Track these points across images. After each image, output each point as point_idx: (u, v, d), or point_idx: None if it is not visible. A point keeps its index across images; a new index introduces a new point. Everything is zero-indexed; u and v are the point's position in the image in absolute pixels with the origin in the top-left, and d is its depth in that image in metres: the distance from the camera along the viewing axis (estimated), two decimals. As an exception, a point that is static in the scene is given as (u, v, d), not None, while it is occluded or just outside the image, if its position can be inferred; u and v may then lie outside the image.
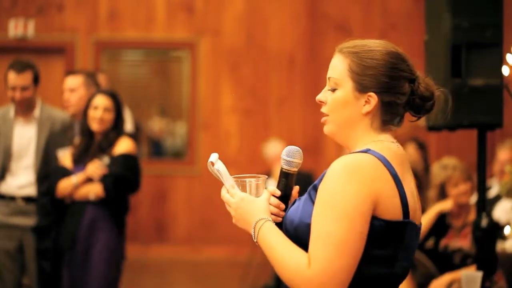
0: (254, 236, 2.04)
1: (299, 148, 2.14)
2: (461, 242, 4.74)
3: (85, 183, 4.66)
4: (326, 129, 2.10)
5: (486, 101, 3.85)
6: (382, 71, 2.02)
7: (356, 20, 9.31)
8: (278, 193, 2.13)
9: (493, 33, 3.86)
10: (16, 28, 9.22)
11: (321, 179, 1.99)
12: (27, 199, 5.08)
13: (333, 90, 2.07)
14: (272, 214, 2.11)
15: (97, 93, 4.79)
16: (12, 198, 5.08)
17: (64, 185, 4.67)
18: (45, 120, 5.14)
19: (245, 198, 2.09)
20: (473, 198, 4.76)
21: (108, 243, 4.66)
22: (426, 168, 6.63)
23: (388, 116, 2.05)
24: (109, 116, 4.70)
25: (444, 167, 4.91)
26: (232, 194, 2.12)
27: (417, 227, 2.04)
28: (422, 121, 4.11)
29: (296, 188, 2.17)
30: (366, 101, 2.03)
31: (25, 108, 5.09)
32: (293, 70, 9.36)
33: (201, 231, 9.24)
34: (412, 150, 7.36)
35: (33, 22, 9.25)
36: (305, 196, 2.04)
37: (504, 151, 6.25)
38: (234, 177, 2.14)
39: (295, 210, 2.03)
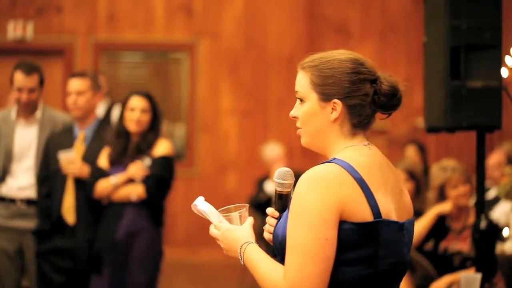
0: (241, 260, 2.14)
1: (289, 169, 2.24)
2: (461, 244, 4.73)
3: (124, 184, 4.65)
4: (302, 141, 2.24)
5: (485, 103, 3.85)
6: (342, 77, 2.13)
7: (355, 22, 9.30)
8: (277, 214, 2.23)
9: (492, 35, 3.87)
10: (15, 30, 9.22)
11: None
12: (28, 201, 5.05)
13: (302, 102, 2.21)
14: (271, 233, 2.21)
15: (133, 95, 4.75)
16: (12, 201, 5.06)
17: (103, 186, 4.64)
18: (46, 122, 5.09)
19: (229, 229, 2.21)
20: (472, 200, 4.76)
21: (149, 243, 4.72)
22: (426, 170, 6.63)
23: (356, 119, 2.15)
24: (146, 117, 4.70)
25: (443, 169, 4.90)
26: (218, 228, 2.23)
27: (398, 224, 2.10)
28: (421, 123, 4.11)
29: None
30: (332, 108, 2.14)
31: (29, 110, 5.04)
32: (292, 71, 9.30)
33: (199, 233, 9.21)
34: (412, 152, 7.38)
35: (32, 24, 9.24)
36: (287, 210, 2.13)
37: (493, 155, 6.22)
38: (219, 211, 2.25)
39: (280, 225, 2.14)
